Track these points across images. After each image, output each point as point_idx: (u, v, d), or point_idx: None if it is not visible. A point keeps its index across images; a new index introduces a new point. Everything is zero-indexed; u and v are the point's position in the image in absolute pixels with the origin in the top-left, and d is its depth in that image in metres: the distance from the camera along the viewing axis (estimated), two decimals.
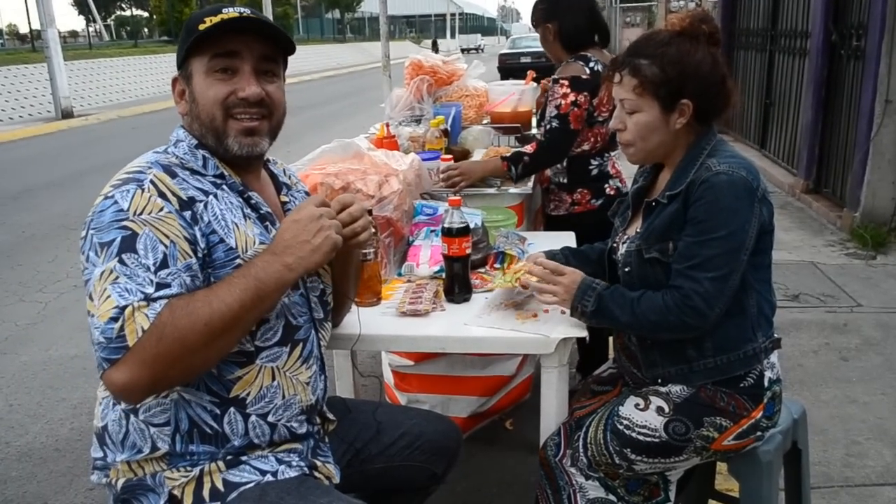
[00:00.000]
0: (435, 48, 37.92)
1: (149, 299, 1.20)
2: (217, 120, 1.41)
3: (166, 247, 1.26)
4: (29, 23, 21.91)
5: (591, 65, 2.71)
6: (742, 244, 1.57)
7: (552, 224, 2.95)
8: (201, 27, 1.37)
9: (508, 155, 2.76)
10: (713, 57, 1.65)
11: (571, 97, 2.64)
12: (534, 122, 3.67)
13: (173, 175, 1.36)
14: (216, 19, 1.37)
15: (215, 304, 1.23)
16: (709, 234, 1.57)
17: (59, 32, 15.67)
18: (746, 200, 1.58)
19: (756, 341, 1.67)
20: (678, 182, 1.64)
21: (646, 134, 1.68)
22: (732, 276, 1.58)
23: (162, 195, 1.31)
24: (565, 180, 2.85)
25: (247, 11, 1.43)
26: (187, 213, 1.32)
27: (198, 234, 1.32)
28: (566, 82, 2.66)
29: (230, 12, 1.40)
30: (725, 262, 1.57)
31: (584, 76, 2.67)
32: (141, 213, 1.27)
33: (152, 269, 1.23)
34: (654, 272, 1.66)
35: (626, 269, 1.72)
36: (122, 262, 1.22)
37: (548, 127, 2.70)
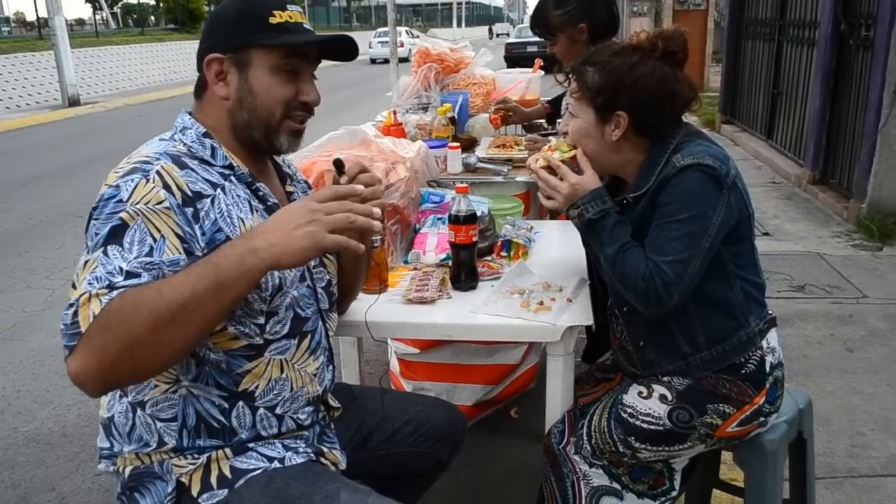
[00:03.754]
0: (491, 34, 47.07)
1: (112, 287, 1.15)
2: (275, 117, 1.41)
3: (154, 240, 1.22)
4: (36, 10, 21.95)
5: None
6: (705, 229, 1.54)
7: None
8: (273, 21, 1.37)
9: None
10: (662, 73, 1.62)
11: None
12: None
13: (182, 166, 1.32)
14: (285, 16, 1.38)
15: (164, 292, 1.14)
16: (669, 217, 1.56)
17: (66, 20, 15.63)
18: (711, 185, 1.55)
19: (748, 326, 1.66)
20: (644, 181, 1.63)
21: (579, 139, 1.69)
22: (693, 261, 1.54)
23: (166, 187, 1.27)
24: None
25: (299, 10, 1.43)
26: (189, 210, 1.28)
27: (197, 233, 1.28)
28: None
29: (294, 11, 1.40)
30: (685, 245, 1.54)
31: None
32: (137, 203, 1.23)
33: (132, 259, 1.19)
34: None
35: None
36: (105, 253, 1.19)
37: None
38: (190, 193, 1.30)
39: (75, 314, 1.14)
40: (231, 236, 1.31)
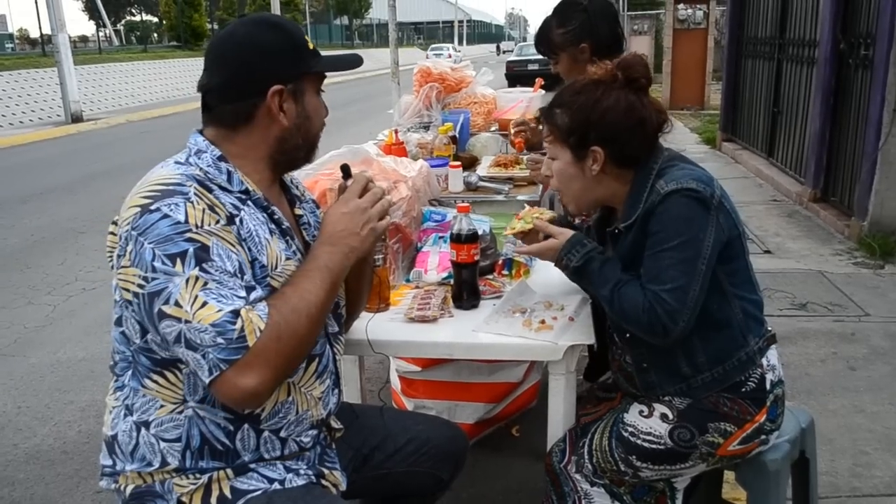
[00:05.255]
0: (498, 51, 53.77)
1: (248, 302, 1.25)
2: (319, 136, 1.51)
3: (237, 255, 1.28)
4: (40, 27, 22.00)
5: None
6: (698, 253, 1.55)
7: None
8: (310, 47, 1.45)
9: None
10: (628, 102, 1.63)
11: None
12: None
13: (209, 189, 1.34)
14: (308, 41, 1.46)
15: (308, 297, 1.32)
16: (661, 245, 1.56)
17: (70, 37, 15.75)
18: (699, 209, 1.56)
19: (748, 345, 1.66)
20: (632, 210, 1.64)
21: (564, 181, 1.72)
22: (692, 286, 1.54)
23: (212, 208, 1.30)
24: None
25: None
26: (234, 228, 1.32)
27: (245, 249, 1.33)
28: None
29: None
30: (681, 272, 1.54)
31: None
32: (202, 226, 1.26)
33: (237, 274, 1.26)
34: None
35: None
36: (204, 270, 1.22)
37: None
38: (227, 213, 1.33)
39: (242, 329, 1.21)
40: (258, 257, 1.35)
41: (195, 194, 1.29)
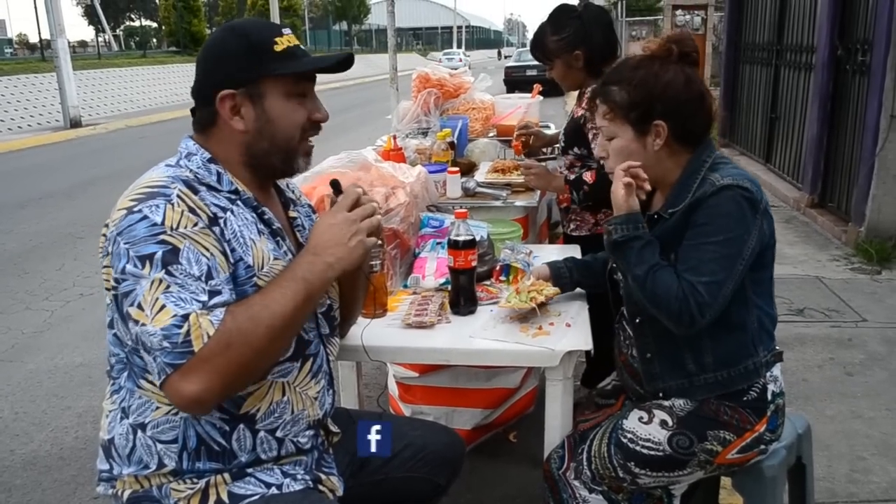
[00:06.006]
0: (499, 56, 56.50)
1: (206, 307, 1.22)
2: (294, 141, 1.44)
3: (208, 259, 1.27)
4: (39, 32, 22.04)
5: None
6: (740, 252, 1.56)
7: (572, 244, 2.89)
8: (277, 49, 1.38)
9: (572, 178, 2.69)
10: (686, 76, 1.65)
11: None
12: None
13: (195, 191, 1.35)
14: (284, 41, 1.40)
15: (272, 307, 1.27)
16: (706, 238, 1.56)
17: (69, 42, 15.77)
18: (749, 210, 1.57)
19: (757, 356, 1.67)
20: (680, 197, 1.64)
21: (624, 158, 1.69)
22: (727, 283, 1.55)
23: (192, 210, 1.31)
24: (590, 201, 2.72)
25: (289, 32, 1.45)
26: (216, 229, 1.33)
27: (227, 249, 1.33)
28: None
29: (289, 35, 1.43)
30: (721, 267, 1.55)
31: None
32: (177, 228, 1.27)
33: (202, 278, 1.25)
34: None
35: None
36: (169, 272, 1.23)
37: (601, 162, 2.62)
38: (210, 214, 1.34)
39: (188, 333, 1.19)
40: (244, 257, 1.35)
41: (178, 196, 1.31)
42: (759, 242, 1.59)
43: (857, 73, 5.66)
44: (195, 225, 1.29)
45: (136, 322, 1.22)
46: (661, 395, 1.72)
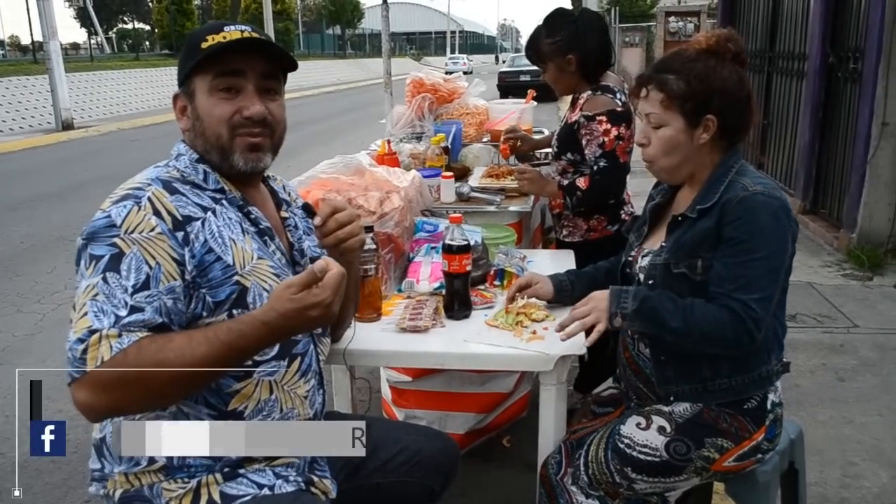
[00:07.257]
0: (497, 60, 57.97)
1: (119, 324, 1.22)
2: (223, 138, 1.42)
3: (151, 268, 1.27)
4: (31, 34, 22.02)
5: (619, 97, 2.64)
6: (781, 264, 1.59)
7: (564, 249, 2.89)
8: (204, 45, 1.39)
9: (565, 184, 2.70)
10: (739, 75, 1.67)
11: (614, 132, 2.56)
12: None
13: (173, 191, 1.36)
14: (219, 37, 1.39)
15: (188, 357, 1.22)
16: (749, 255, 1.57)
17: (61, 44, 15.72)
18: (785, 220, 1.59)
19: (769, 364, 1.68)
20: (707, 197, 1.65)
21: (669, 149, 1.69)
22: (774, 297, 1.58)
23: (157, 213, 1.31)
24: (583, 207, 2.72)
25: (248, 29, 1.43)
26: (180, 234, 1.32)
27: (187, 256, 1.32)
28: (604, 118, 2.57)
29: (232, 31, 1.41)
30: (768, 282, 1.57)
31: (618, 109, 2.59)
32: (132, 232, 1.28)
33: (130, 290, 1.24)
34: (680, 287, 1.65)
35: (650, 282, 1.71)
36: (104, 280, 1.24)
37: (595, 168, 2.62)
38: (180, 217, 1.33)
39: (84, 351, 1.20)
40: (222, 256, 1.35)
41: (149, 198, 1.33)
42: (792, 252, 1.62)
43: (848, 80, 5.69)
44: (152, 230, 1.30)
45: (71, 320, 1.25)
46: (672, 398, 1.72)
